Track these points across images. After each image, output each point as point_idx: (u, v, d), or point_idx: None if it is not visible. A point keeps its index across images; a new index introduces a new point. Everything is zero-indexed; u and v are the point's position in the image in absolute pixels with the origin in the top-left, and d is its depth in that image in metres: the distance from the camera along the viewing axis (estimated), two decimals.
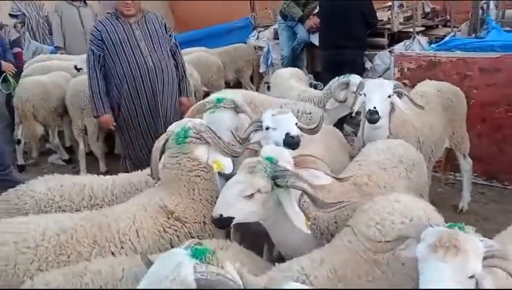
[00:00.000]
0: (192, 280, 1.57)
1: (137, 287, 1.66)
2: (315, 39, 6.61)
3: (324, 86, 6.06)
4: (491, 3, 5.90)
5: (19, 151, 5.97)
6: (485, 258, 1.65)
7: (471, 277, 1.63)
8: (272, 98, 4.64)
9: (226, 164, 2.50)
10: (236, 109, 3.21)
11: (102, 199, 2.68)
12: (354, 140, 4.19)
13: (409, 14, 6.55)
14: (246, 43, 8.17)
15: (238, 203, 2.17)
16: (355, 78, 4.14)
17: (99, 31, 4.02)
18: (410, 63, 5.05)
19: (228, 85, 7.61)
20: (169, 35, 4.30)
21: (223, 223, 2.19)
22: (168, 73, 4.22)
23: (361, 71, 5.96)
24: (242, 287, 1.67)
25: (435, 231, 1.72)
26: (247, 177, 2.19)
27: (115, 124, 4.23)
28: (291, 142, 2.76)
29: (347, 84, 4.15)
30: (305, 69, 7.00)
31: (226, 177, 2.45)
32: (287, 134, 2.78)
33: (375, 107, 3.22)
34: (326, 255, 2.11)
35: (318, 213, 2.37)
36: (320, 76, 6.66)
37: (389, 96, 3.33)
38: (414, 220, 2.11)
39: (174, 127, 2.59)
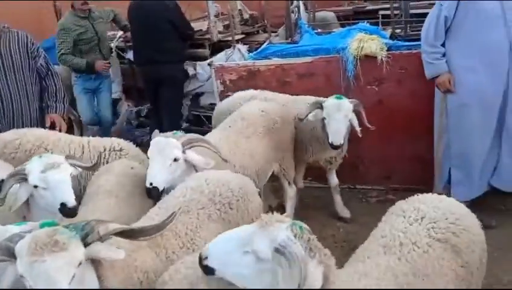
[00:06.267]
0: None
1: None
2: (131, 55, 6.10)
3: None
4: (301, 6, 6.02)
5: None
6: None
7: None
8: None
9: None
10: None
11: None
12: None
13: (228, 23, 6.41)
14: None
15: None
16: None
17: None
18: (231, 74, 4.85)
19: None
20: (34, 57, 3.86)
21: None
22: (22, 103, 3.83)
23: (181, 85, 5.71)
24: None
25: None
26: (62, 257, 1.62)
27: None
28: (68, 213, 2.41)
29: None
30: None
31: None
32: (63, 204, 2.41)
33: None
34: None
35: None
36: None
37: None
38: None
39: None
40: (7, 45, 3.73)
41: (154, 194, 2.68)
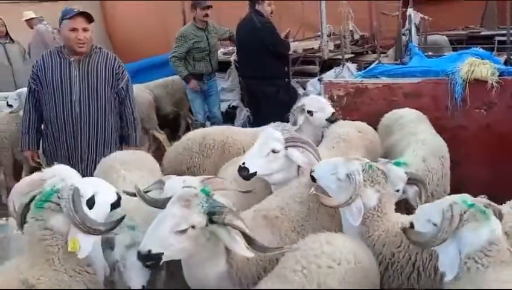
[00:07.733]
0: None
1: None
2: None
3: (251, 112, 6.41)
4: (413, 30, 6.16)
5: None
6: None
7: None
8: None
9: (83, 246, 2.07)
10: None
11: None
12: None
13: (339, 42, 6.75)
14: None
15: (169, 238, 2.08)
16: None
17: (36, 66, 3.87)
18: (339, 90, 5.13)
19: (167, 118, 7.52)
20: (118, 79, 3.95)
21: (151, 260, 2.07)
22: (99, 121, 3.89)
23: (281, 100, 5.88)
24: None
25: None
26: (182, 211, 2.11)
27: (38, 160, 4.02)
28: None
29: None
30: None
31: None
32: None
33: None
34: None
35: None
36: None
37: None
38: None
39: (49, 184, 2.21)
40: (95, 64, 3.84)
41: (242, 173, 2.92)
